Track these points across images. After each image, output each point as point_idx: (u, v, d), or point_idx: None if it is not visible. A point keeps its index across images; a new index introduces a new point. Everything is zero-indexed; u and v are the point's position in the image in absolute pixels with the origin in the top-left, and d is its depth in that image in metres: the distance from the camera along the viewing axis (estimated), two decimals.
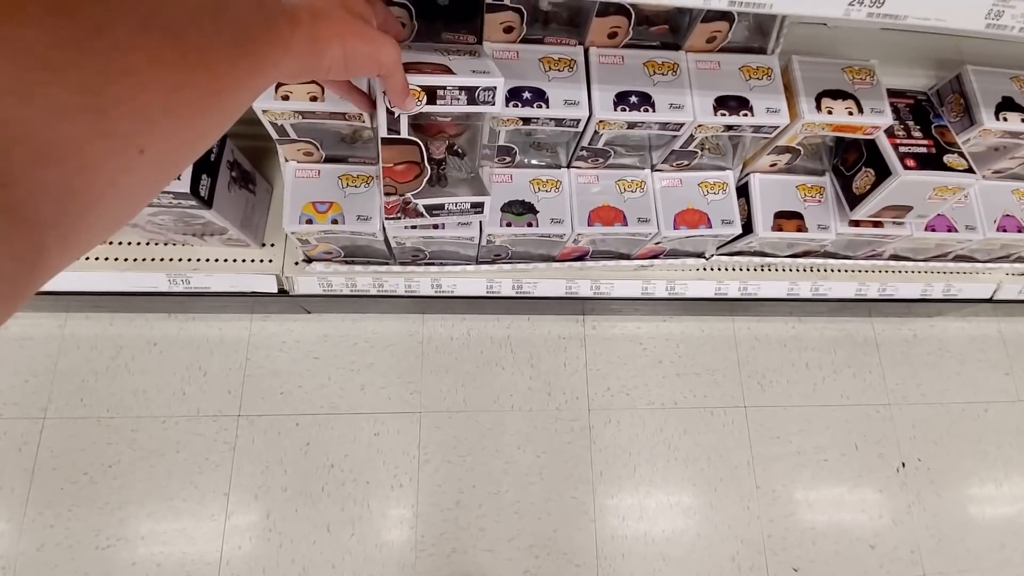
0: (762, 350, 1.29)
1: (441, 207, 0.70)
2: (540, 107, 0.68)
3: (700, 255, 1.01)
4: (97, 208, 0.22)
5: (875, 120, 0.76)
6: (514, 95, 0.68)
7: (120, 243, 0.94)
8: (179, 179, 0.71)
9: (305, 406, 1.15)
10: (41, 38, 0.19)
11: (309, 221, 0.77)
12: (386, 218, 0.68)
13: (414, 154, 0.62)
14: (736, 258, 1.03)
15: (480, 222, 0.81)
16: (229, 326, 1.18)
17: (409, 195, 0.66)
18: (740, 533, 1.15)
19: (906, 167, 0.77)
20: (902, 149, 0.79)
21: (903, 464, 1.25)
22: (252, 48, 0.30)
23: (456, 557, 1.09)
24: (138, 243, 0.95)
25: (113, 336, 1.15)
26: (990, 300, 1.20)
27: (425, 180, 0.65)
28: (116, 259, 0.94)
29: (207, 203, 0.76)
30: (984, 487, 1.28)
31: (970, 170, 0.79)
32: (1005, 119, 0.81)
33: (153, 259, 0.95)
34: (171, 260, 0.95)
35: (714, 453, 1.20)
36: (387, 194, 0.64)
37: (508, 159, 0.81)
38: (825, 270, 1.09)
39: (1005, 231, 0.95)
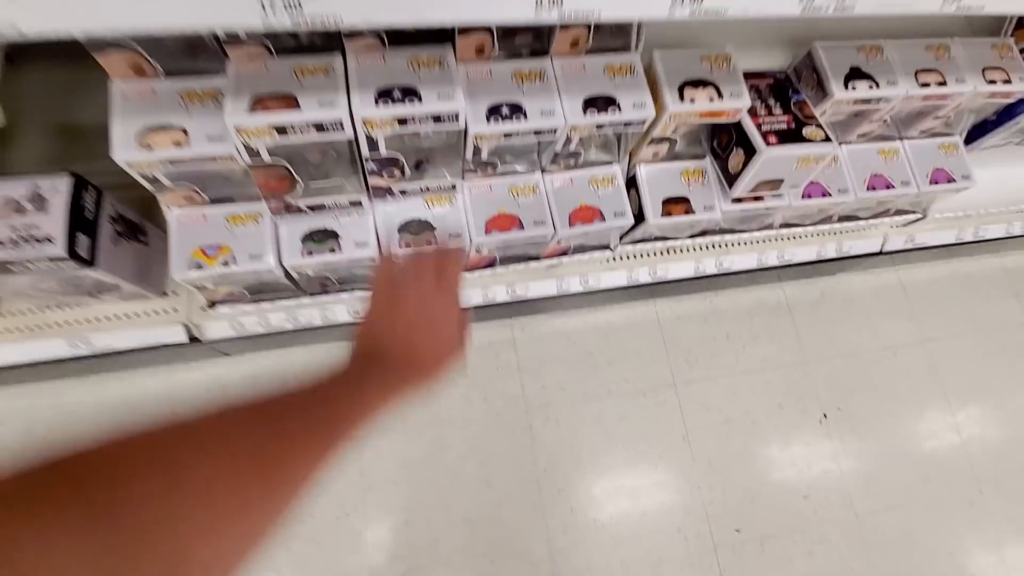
0: (684, 328, 1.34)
1: (322, 205, 0.76)
2: (414, 103, 0.67)
3: (606, 247, 1.04)
4: None
5: (735, 104, 0.81)
6: (384, 94, 0.67)
7: (10, 314, 0.90)
8: (52, 241, 0.69)
9: None
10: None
11: (199, 267, 0.76)
12: (270, 209, 0.73)
13: (283, 172, 0.67)
14: (641, 245, 1.08)
15: (378, 244, 0.82)
16: (149, 380, 1.14)
17: (288, 198, 0.70)
18: (683, 504, 1.20)
19: (769, 143, 0.83)
20: (764, 127, 0.85)
21: (825, 415, 1.33)
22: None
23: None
24: (30, 310, 0.91)
25: (23, 410, 1.09)
26: (880, 253, 1.30)
27: (300, 187, 0.70)
28: (7, 330, 0.90)
29: (89, 262, 0.74)
30: (902, 426, 1.38)
31: (827, 139, 0.85)
32: (854, 88, 0.87)
33: (48, 325, 0.91)
34: (67, 323, 0.91)
35: (651, 433, 1.24)
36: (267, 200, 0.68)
37: (399, 173, 0.82)
38: (724, 246, 1.15)
39: (875, 189, 1.03)
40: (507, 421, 1.20)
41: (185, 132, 0.65)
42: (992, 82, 0.93)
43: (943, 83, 0.90)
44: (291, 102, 0.63)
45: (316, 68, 0.65)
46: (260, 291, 0.90)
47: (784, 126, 0.86)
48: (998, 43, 0.98)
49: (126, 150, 0.63)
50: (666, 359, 1.31)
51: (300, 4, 0.46)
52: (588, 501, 1.19)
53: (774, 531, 1.23)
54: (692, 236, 1.09)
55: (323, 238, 0.81)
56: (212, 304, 0.90)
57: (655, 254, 1.11)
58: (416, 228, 0.84)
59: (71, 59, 0.66)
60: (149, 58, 0.62)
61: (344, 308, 1.00)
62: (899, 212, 1.20)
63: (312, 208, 0.79)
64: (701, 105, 0.80)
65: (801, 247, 1.21)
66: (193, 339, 0.97)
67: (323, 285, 0.93)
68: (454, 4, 0.49)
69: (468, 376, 1.22)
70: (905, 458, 1.35)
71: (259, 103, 0.62)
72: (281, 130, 0.63)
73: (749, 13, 0.58)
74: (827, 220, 1.15)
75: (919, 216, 1.22)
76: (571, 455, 1.21)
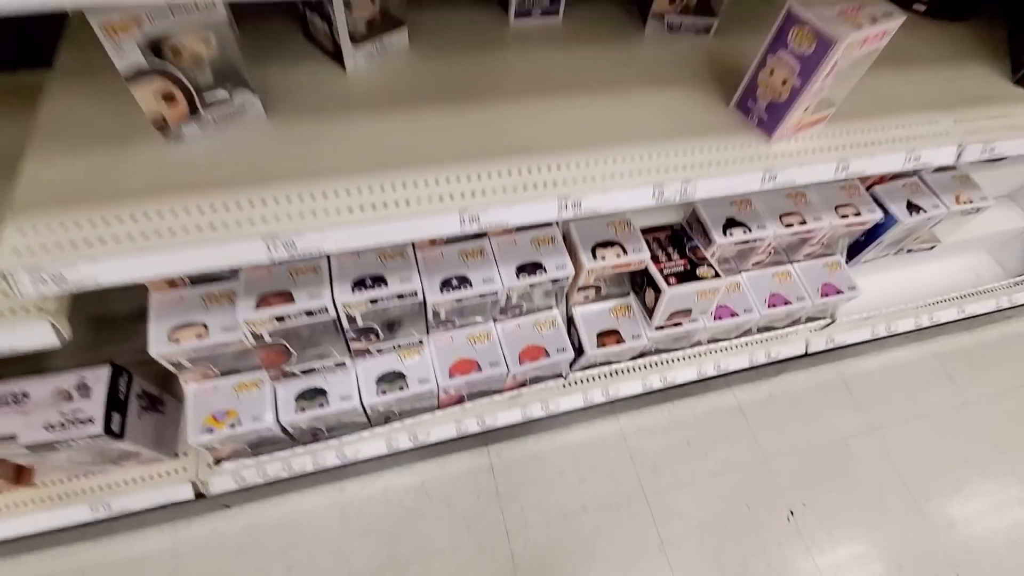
0: (647, 439, 1.47)
1: (312, 369, 0.96)
2: (382, 288, 0.87)
3: (559, 375, 1.21)
4: None
5: (638, 257, 1.03)
6: (358, 283, 0.86)
7: (43, 484, 1.02)
8: (92, 422, 0.85)
9: None
10: None
11: (211, 431, 0.91)
12: (269, 375, 0.90)
13: (281, 347, 0.85)
14: (589, 371, 1.25)
15: (360, 397, 0.99)
16: (156, 538, 1.22)
17: (284, 366, 0.88)
18: None
19: (670, 284, 1.04)
20: (666, 271, 1.07)
21: (792, 512, 1.42)
22: None
23: None
24: (60, 480, 1.03)
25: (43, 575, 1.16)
26: (807, 355, 1.48)
27: (294, 357, 0.89)
28: (41, 499, 1.01)
29: (120, 436, 0.89)
30: (867, 516, 1.45)
31: (717, 276, 1.07)
32: (731, 234, 1.11)
33: (75, 492, 1.03)
34: (91, 490, 1.03)
35: (628, 546, 1.31)
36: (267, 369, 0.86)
37: (375, 337, 1.00)
38: (665, 363, 1.32)
39: (776, 306, 1.23)
40: (489, 548, 1.27)
41: (205, 326, 0.84)
42: (845, 216, 1.17)
43: (804, 222, 1.14)
44: (288, 296, 0.83)
45: (307, 268, 0.86)
46: (259, 445, 1.04)
47: (681, 268, 1.07)
48: (847, 184, 1.24)
49: (159, 346, 0.82)
50: (634, 471, 1.41)
51: (295, 243, 0.68)
52: None
53: None
54: (633, 359, 1.27)
55: (313, 395, 0.97)
56: (218, 461, 1.04)
57: (604, 376, 1.28)
58: (391, 378, 1.01)
59: None
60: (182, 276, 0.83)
61: (333, 453, 1.13)
62: (810, 319, 1.39)
63: (304, 372, 0.97)
64: (611, 261, 1.02)
65: (734, 357, 1.38)
66: (199, 495, 1.09)
67: (314, 434, 1.07)
68: (399, 228, 0.71)
69: (451, 507, 1.31)
70: (873, 547, 1.41)
71: (263, 300, 0.82)
72: (280, 319, 0.82)
73: (619, 207, 0.81)
74: (748, 333, 1.34)
75: (829, 321, 1.41)
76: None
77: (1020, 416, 1.68)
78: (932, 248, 1.45)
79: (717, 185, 0.82)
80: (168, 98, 0.66)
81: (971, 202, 1.25)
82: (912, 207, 1.22)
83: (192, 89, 0.66)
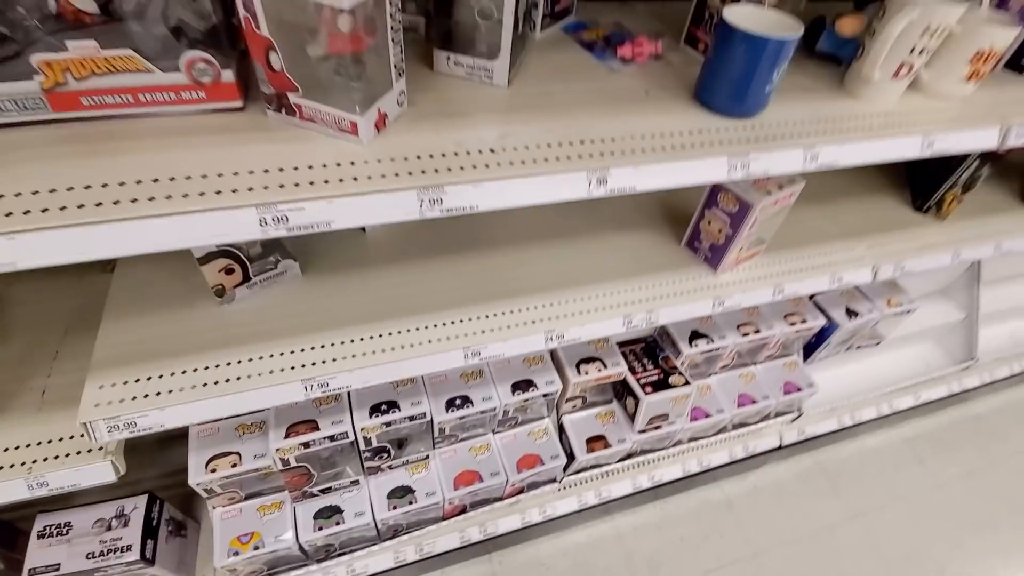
0: (642, 537, 1.53)
1: (329, 488, 1.06)
2: (395, 412, 1.00)
3: (554, 480, 1.31)
4: None
5: (616, 370, 1.17)
6: (374, 409, 0.99)
7: None
8: (130, 550, 0.92)
9: None
10: None
11: (236, 553, 0.98)
12: (290, 496, 0.98)
13: (304, 470, 0.95)
14: (581, 474, 1.35)
15: (373, 513, 1.07)
16: None
17: (305, 487, 0.97)
18: None
19: (647, 393, 1.18)
20: (642, 380, 1.21)
21: None
22: None
23: None
24: None
25: None
26: (781, 447, 1.59)
27: (315, 479, 1.00)
28: None
29: (152, 561, 0.96)
30: None
31: (687, 383, 1.21)
32: (696, 345, 1.26)
33: None
34: None
35: None
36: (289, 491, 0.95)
37: (387, 455, 1.11)
38: (651, 463, 1.42)
39: (744, 405, 1.36)
40: None
41: (239, 455, 0.95)
42: (793, 323, 1.34)
43: (758, 331, 1.31)
44: (313, 424, 0.94)
45: (328, 397, 0.99)
46: (276, 565, 1.10)
47: (656, 378, 1.22)
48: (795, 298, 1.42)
49: (198, 475, 0.92)
50: (631, 570, 1.46)
51: (328, 384, 0.81)
52: None
53: None
54: (621, 460, 1.37)
55: (330, 514, 1.06)
56: None
57: (595, 479, 1.37)
58: (401, 493, 1.11)
59: None
60: None
61: (343, 570, 1.19)
62: (779, 414, 1.52)
63: (322, 491, 1.06)
64: (593, 375, 1.16)
65: (714, 453, 1.49)
66: None
67: (327, 551, 1.14)
68: (414, 366, 0.84)
69: None
70: None
71: (291, 429, 0.94)
72: (306, 444, 0.93)
73: (596, 335, 0.96)
74: (724, 430, 1.46)
75: (797, 414, 1.54)
76: None
77: (990, 496, 1.77)
78: (878, 344, 1.62)
79: (676, 312, 0.99)
80: (228, 271, 0.82)
81: (901, 304, 1.44)
82: (850, 312, 1.40)
83: (247, 261, 0.83)
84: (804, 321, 1.35)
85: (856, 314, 1.40)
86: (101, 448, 0.80)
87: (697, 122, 0.75)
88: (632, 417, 1.24)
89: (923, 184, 1.27)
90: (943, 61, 0.86)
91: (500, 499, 1.26)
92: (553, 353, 1.19)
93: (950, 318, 1.79)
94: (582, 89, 0.78)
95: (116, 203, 0.50)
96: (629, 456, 1.36)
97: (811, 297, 1.43)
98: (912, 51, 0.79)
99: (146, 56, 0.55)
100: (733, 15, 0.69)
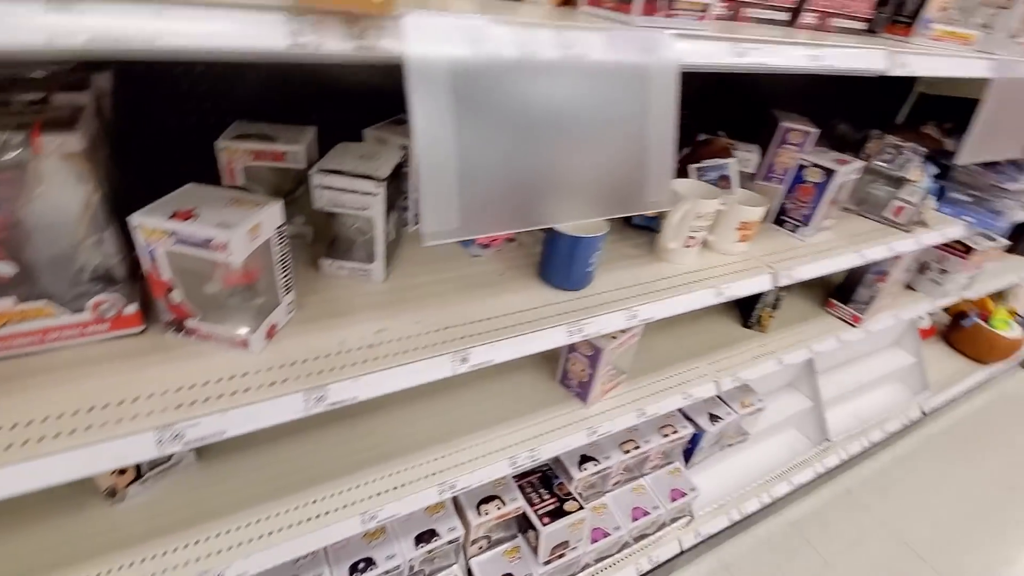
0: None
1: None
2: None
3: None
4: None
5: (514, 506, 1.25)
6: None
7: None
8: None
9: None
10: None
11: None
12: None
13: None
14: None
15: None
16: None
17: None
18: None
19: (544, 523, 1.26)
20: (539, 511, 1.29)
21: None
22: None
23: None
24: None
25: None
26: (683, 552, 1.70)
27: None
28: None
29: None
30: None
31: (581, 507, 1.31)
32: (586, 468, 1.38)
33: None
34: None
35: None
36: None
37: None
38: None
39: (638, 519, 1.48)
40: None
41: None
42: (667, 435, 1.52)
43: (638, 446, 1.46)
44: None
45: None
46: None
47: (553, 506, 1.31)
48: None
49: None
50: None
51: (223, 574, 0.82)
52: None
53: None
54: None
55: None
56: None
57: None
58: None
59: None
60: None
61: None
62: (674, 520, 1.65)
63: None
64: (494, 514, 1.23)
65: (623, 571, 1.56)
66: None
67: None
68: (313, 539, 0.88)
69: None
70: None
71: None
72: None
73: (484, 481, 1.06)
74: (627, 546, 1.55)
75: (689, 518, 1.68)
76: None
77: (876, 564, 1.96)
78: (744, 440, 1.84)
79: (556, 447, 1.12)
80: (121, 472, 0.84)
81: (753, 404, 1.68)
82: (713, 417, 1.61)
83: None
84: (676, 431, 1.53)
85: (718, 418, 1.61)
86: None
87: (541, 297, 0.94)
88: (534, 550, 1.30)
89: (744, 305, 1.57)
90: (720, 229, 1.14)
91: None
92: (454, 498, 1.26)
93: (802, 406, 2.08)
94: (448, 277, 0.95)
95: (24, 443, 0.55)
96: None
97: (680, 408, 1.63)
98: (693, 229, 1.06)
99: (58, 303, 0.64)
100: None
